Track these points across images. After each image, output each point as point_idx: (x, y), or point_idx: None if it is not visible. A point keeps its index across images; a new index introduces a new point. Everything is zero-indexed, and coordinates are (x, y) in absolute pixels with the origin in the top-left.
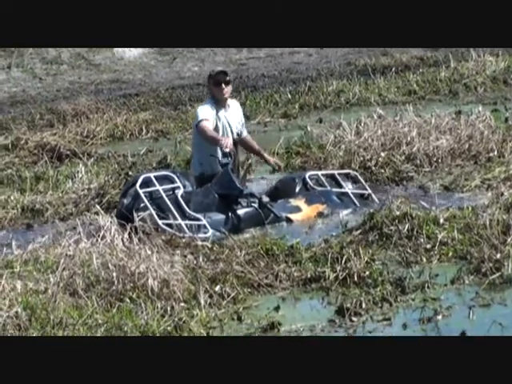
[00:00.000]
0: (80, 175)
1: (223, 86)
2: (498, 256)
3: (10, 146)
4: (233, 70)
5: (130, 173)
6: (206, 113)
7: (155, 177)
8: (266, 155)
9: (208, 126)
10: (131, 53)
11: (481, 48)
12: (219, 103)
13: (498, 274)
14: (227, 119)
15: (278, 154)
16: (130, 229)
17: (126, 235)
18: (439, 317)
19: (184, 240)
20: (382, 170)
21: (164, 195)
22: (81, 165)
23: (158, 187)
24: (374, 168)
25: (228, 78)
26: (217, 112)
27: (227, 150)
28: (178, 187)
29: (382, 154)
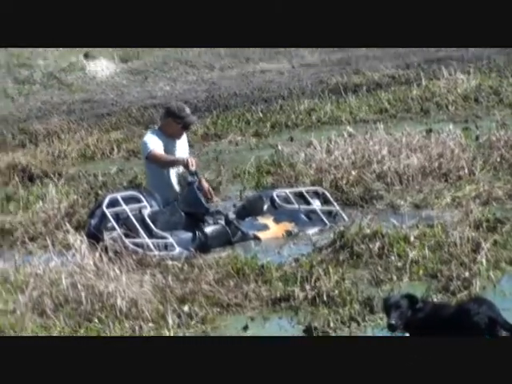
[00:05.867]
0: (50, 195)
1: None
2: (467, 274)
3: None
4: (204, 90)
5: (100, 192)
6: (154, 143)
7: (122, 197)
8: (203, 180)
9: (161, 152)
10: (103, 72)
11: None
12: (168, 137)
13: (465, 293)
14: (176, 151)
15: (249, 172)
16: (101, 248)
17: (97, 254)
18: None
19: (154, 259)
20: (353, 189)
21: (130, 215)
22: (51, 185)
23: (125, 207)
24: (344, 186)
25: None
26: (165, 144)
27: (193, 168)
28: (145, 206)
29: (353, 173)
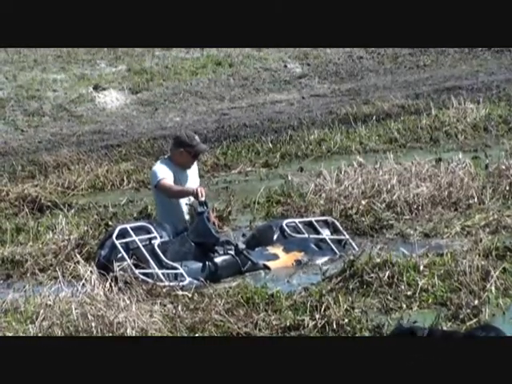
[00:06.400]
0: (60, 226)
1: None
2: (476, 302)
3: None
4: (215, 120)
5: (111, 223)
6: (164, 172)
7: (131, 228)
8: (210, 211)
9: (170, 182)
10: (113, 104)
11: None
12: (178, 166)
13: (475, 320)
14: (186, 181)
15: (259, 203)
16: (111, 279)
17: (107, 285)
18: None
19: (165, 289)
20: (363, 218)
21: (141, 245)
22: (61, 216)
23: (135, 238)
24: (354, 216)
25: None
26: (175, 173)
27: (203, 198)
28: (155, 237)
29: (363, 202)
